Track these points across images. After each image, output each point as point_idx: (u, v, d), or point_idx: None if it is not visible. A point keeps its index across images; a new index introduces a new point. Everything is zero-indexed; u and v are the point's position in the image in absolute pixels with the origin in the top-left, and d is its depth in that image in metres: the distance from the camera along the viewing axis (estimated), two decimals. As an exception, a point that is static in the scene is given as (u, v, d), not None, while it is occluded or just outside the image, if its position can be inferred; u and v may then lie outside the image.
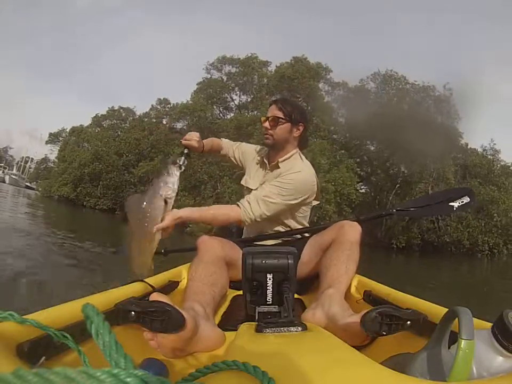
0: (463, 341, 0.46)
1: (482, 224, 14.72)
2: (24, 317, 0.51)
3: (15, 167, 51.62)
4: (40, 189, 24.74)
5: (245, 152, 1.54)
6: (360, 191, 16.05)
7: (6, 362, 0.42)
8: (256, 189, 1.35)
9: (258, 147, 1.55)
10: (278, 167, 1.36)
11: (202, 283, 1.00)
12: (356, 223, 1.16)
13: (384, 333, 0.69)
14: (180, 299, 1.02)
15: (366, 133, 15.15)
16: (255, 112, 16.37)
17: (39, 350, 0.50)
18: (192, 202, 13.57)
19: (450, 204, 1.34)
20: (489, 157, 16.68)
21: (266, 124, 1.34)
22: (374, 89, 17.20)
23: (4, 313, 0.49)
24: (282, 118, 1.32)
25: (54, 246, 5.29)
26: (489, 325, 0.52)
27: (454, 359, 0.46)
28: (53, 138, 25.83)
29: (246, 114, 17.44)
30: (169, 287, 1.11)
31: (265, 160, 1.43)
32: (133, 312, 0.65)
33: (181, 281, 1.21)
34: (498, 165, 16.69)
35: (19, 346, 0.48)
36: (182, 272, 1.25)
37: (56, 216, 12.21)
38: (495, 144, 16.96)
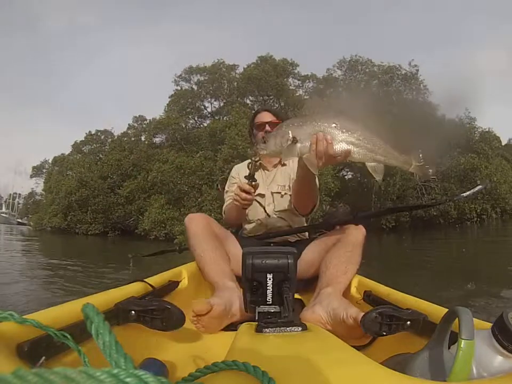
0: (463, 341, 0.46)
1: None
2: (24, 317, 0.51)
3: (3, 205, 50.82)
4: (31, 223, 24.40)
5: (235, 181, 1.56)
6: (345, 177, 16.74)
7: (6, 362, 0.42)
8: (264, 194, 1.44)
9: (239, 168, 1.58)
10: (286, 164, 1.49)
11: (215, 256, 1.14)
12: (360, 226, 1.18)
13: (384, 333, 0.69)
14: (180, 299, 1.02)
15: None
16: (229, 117, 16.18)
17: (39, 350, 0.50)
18: (177, 214, 13.53)
19: (462, 194, 1.40)
20: (466, 125, 16.56)
21: (268, 128, 1.47)
22: (342, 77, 17.30)
23: (3, 313, 0.49)
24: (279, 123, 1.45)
25: (51, 276, 5.14)
26: (489, 325, 0.52)
27: (454, 359, 0.46)
28: (37, 171, 25.85)
29: (221, 119, 17.36)
30: (169, 287, 1.11)
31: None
32: (133, 312, 0.65)
33: (181, 281, 1.20)
34: (477, 132, 16.73)
35: (19, 346, 0.48)
36: (182, 272, 1.25)
37: (50, 247, 11.86)
38: (469, 112, 16.58)
